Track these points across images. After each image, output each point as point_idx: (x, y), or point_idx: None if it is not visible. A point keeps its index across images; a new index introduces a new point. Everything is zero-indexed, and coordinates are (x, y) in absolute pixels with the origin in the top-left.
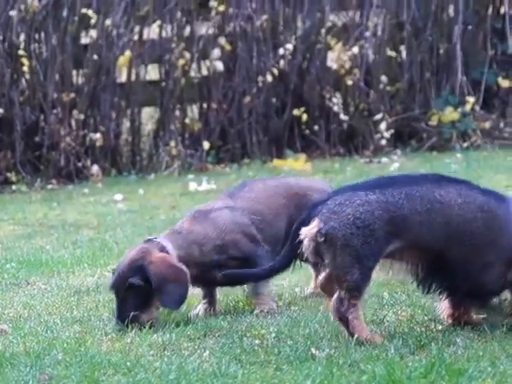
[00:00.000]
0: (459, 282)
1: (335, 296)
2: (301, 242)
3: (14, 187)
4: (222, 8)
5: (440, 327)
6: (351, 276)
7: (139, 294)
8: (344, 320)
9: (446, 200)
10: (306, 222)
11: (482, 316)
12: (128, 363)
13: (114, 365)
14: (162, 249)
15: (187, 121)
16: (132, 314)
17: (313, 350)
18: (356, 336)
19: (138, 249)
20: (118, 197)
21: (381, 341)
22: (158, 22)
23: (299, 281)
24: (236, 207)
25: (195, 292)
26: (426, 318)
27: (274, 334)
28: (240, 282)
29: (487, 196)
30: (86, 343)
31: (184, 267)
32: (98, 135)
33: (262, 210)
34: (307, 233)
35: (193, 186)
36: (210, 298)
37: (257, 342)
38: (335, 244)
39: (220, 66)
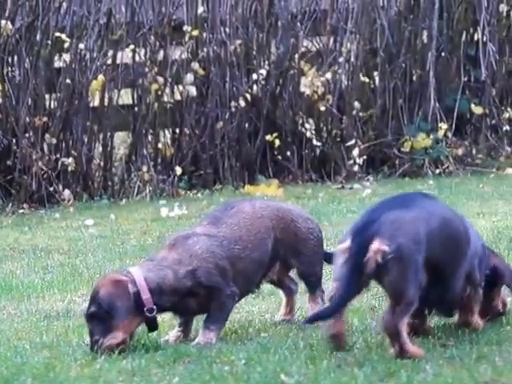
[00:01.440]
0: (440, 291)
1: (387, 310)
2: (362, 264)
3: None
4: (195, 33)
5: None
6: (410, 291)
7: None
8: (395, 334)
9: (447, 214)
10: (360, 246)
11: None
12: None
13: None
14: (127, 274)
15: (160, 146)
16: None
17: (282, 377)
18: (405, 350)
19: (105, 278)
20: (90, 222)
21: (423, 355)
22: (132, 46)
23: (269, 307)
24: (216, 235)
25: (165, 318)
26: None
27: (243, 361)
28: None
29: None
30: (55, 369)
31: (125, 279)
32: (70, 160)
33: (246, 237)
34: (372, 253)
35: (164, 211)
36: (185, 327)
37: (226, 368)
38: (402, 260)
39: (193, 90)
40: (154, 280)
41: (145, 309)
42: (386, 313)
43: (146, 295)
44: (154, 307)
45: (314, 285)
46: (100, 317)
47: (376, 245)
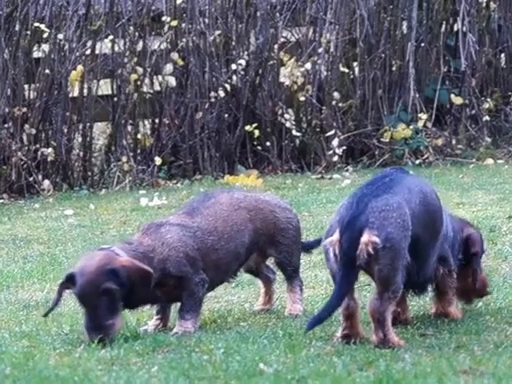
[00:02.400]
0: (417, 267)
1: (375, 297)
2: (354, 258)
3: None
4: (174, 23)
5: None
6: (398, 278)
7: (112, 300)
8: (382, 320)
9: (425, 188)
10: (350, 240)
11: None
12: (76, 378)
13: (61, 379)
14: (116, 252)
15: (139, 136)
16: (108, 322)
17: (261, 366)
18: (388, 339)
19: (99, 255)
20: (69, 212)
21: (403, 346)
22: (111, 37)
23: (248, 297)
24: (190, 226)
25: (144, 307)
26: None
27: (222, 350)
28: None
29: None
30: (34, 357)
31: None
32: (50, 150)
33: (221, 228)
34: (364, 246)
35: (144, 201)
36: (163, 314)
37: (205, 357)
38: (391, 249)
39: (172, 81)
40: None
41: None
42: (373, 299)
43: None
44: None
45: (291, 274)
46: (115, 295)
47: (366, 237)
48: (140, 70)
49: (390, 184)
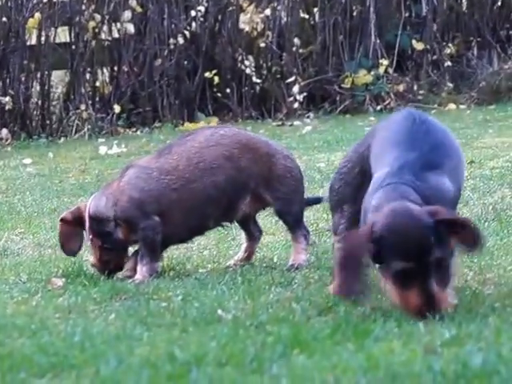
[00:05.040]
0: None
1: None
2: None
3: None
4: None
5: None
6: None
7: None
8: None
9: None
10: None
11: None
12: (33, 326)
13: (18, 328)
14: None
15: (98, 84)
16: None
17: (219, 312)
18: None
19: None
20: (28, 160)
21: None
22: None
23: (208, 244)
24: (149, 167)
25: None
26: None
27: (180, 297)
28: None
29: None
30: None
31: None
32: (8, 98)
33: (183, 167)
34: None
35: (103, 149)
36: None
37: (163, 304)
38: None
39: (131, 28)
40: (93, 207)
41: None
42: None
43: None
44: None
45: (292, 224)
46: None
47: None
48: (98, 17)
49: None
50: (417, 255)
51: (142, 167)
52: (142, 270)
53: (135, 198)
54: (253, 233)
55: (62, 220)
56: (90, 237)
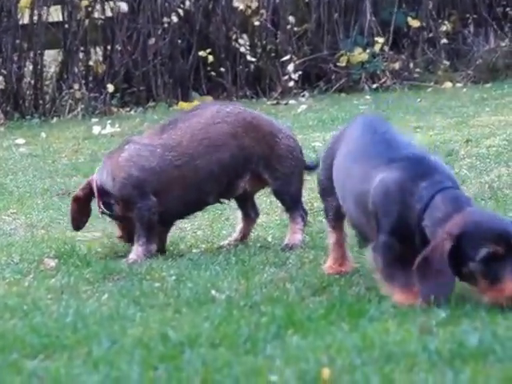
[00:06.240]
0: None
1: None
2: None
3: None
4: None
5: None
6: None
7: None
8: None
9: None
10: None
11: None
12: (25, 307)
13: (10, 308)
14: None
15: (91, 63)
16: None
17: (213, 292)
18: None
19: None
20: (20, 141)
21: None
22: None
23: (202, 224)
24: (151, 144)
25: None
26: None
27: (174, 277)
28: None
29: None
30: None
31: None
32: (0, 78)
33: (187, 143)
34: None
35: (96, 129)
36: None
37: (157, 284)
38: None
39: (124, 6)
40: (98, 180)
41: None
42: None
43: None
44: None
45: (289, 204)
46: None
47: None
48: None
49: None
50: (506, 239)
51: (145, 144)
52: (137, 250)
53: (134, 176)
54: (249, 214)
55: (74, 199)
56: (100, 210)
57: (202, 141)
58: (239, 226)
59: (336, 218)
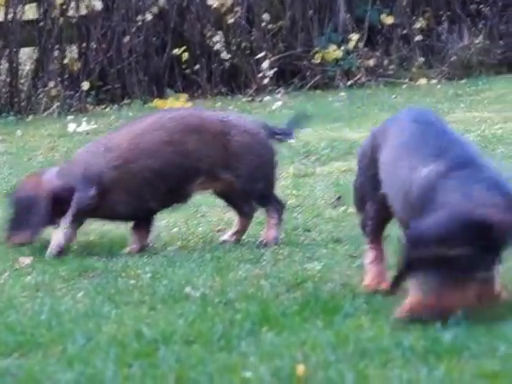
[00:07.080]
0: None
1: None
2: None
3: None
4: None
5: (318, 267)
6: None
7: None
8: None
9: None
10: None
11: None
12: (0, 304)
13: None
14: None
15: (66, 61)
16: None
17: (187, 290)
18: None
19: None
20: None
21: None
22: None
23: (177, 221)
24: (100, 142)
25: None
26: (304, 256)
27: (149, 274)
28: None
29: None
30: None
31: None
32: None
33: (126, 145)
34: None
35: (72, 127)
36: None
37: (132, 282)
38: None
39: (99, 4)
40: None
41: None
42: None
43: None
44: None
45: (259, 201)
46: None
47: None
48: None
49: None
50: None
51: (96, 142)
52: (58, 234)
53: (79, 171)
54: (242, 210)
55: None
56: None
57: (138, 145)
58: (235, 220)
59: (375, 228)
